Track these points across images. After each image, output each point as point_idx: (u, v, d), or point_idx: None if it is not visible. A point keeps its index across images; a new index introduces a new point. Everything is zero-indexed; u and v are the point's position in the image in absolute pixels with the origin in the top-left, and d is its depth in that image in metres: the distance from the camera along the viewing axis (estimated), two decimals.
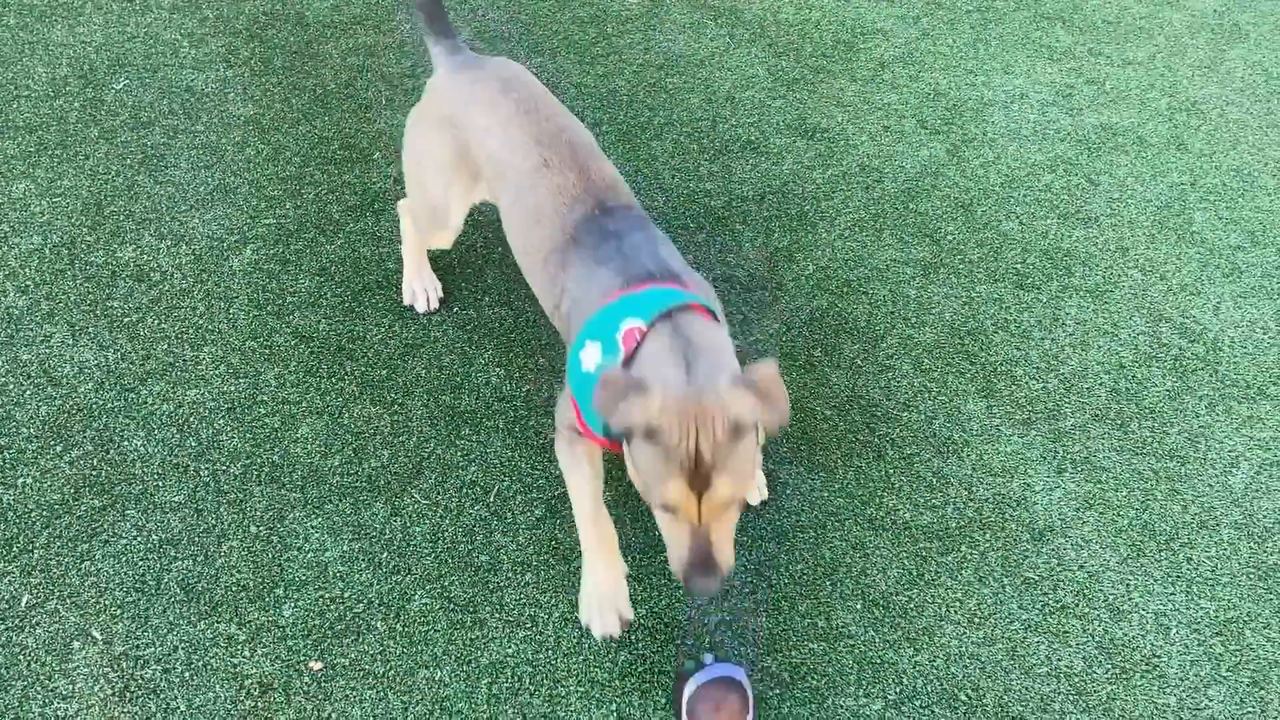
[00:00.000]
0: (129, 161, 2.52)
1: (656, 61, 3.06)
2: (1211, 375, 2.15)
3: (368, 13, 3.14)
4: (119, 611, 1.74)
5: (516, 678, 1.69)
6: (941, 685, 1.69)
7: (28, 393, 2.01)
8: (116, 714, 1.62)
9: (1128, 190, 2.65)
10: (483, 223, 2.43)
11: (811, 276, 2.38)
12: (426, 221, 2.04)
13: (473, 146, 1.84)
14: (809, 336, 2.23)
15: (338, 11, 3.14)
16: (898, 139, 2.81)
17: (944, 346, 2.23)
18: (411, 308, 2.22)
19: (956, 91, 3.01)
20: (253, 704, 1.65)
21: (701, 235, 2.46)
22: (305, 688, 1.67)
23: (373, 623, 1.74)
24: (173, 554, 1.81)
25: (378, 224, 2.42)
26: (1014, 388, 2.13)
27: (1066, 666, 1.71)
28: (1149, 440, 2.02)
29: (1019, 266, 2.42)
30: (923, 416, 2.08)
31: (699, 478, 1.37)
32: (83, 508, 1.85)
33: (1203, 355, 2.20)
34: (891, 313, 2.31)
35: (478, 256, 2.36)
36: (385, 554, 1.83)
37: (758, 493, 1.89)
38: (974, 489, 1.95)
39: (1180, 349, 2.21)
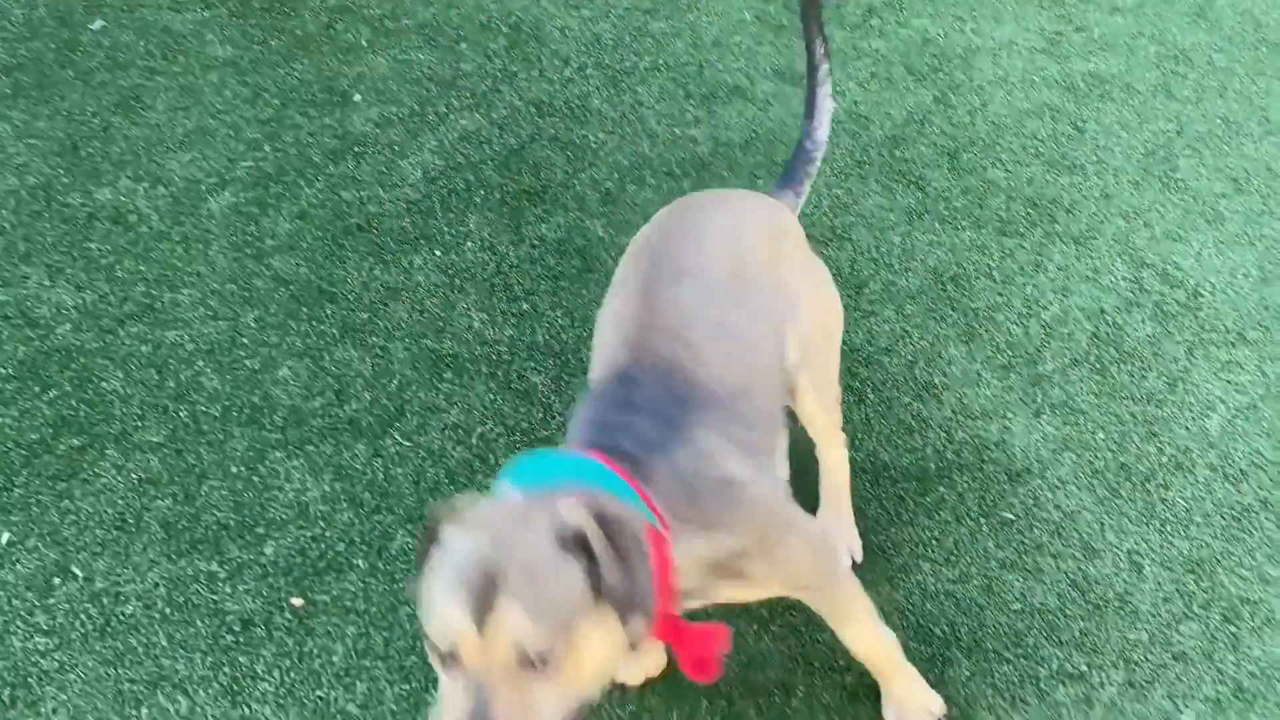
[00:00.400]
0: (105, 103, 2.49)
1: (643, 5, 3.02)
2: (1192, 320, 2.16)
3: None
4: (99, 549, 1.74)
5: None
6: (917, 621, 1.71)
7: (5, 333, 2.00)
8: (98, 648, 1.63)
9: (1114, 137, 2.64)
10: (464, 164, 2.41)
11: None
12: None
13: None
14: None
15: None
16: (885, 85, 2.79)
17: (927, 293, 2.23)
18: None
19: (945, 39, 2.98)
20: (234, 639, 1.66)
21: (687, 183, 2.45)
22: (286, 624, 1.68)
23: (354, 561, 1.76)
24: (153, 493, 1.81)
25: (358, 167, 2.40)
26: (995, 333, 2.14)
27: (1040, 603, 1.73)
28: (1128, 384, 2.03)
29: (1003, 214, 2.41)
30: (904, 361, 2.08)
31: (484, 604, 0.96)
32: (62, 447, 1.85)
33: (1183, 301, 2.20)
34: (875, 259, 2.30)
35: (460, 200, 2.34)
36: (367, 494, 1.84)
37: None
38: (953, 432, 1.96)
39: (1161, 295, 2.21)
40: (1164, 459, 1.91)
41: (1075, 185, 2.49)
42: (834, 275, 2.22)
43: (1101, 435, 1.95)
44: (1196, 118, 2.72)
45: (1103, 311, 2.18)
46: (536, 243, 2.27)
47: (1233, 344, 2.11)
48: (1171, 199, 2.46)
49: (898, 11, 3.07)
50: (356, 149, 2.45)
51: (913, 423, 1.97)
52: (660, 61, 2.82)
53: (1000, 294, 2.23)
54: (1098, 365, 2.07)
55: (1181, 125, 2.69)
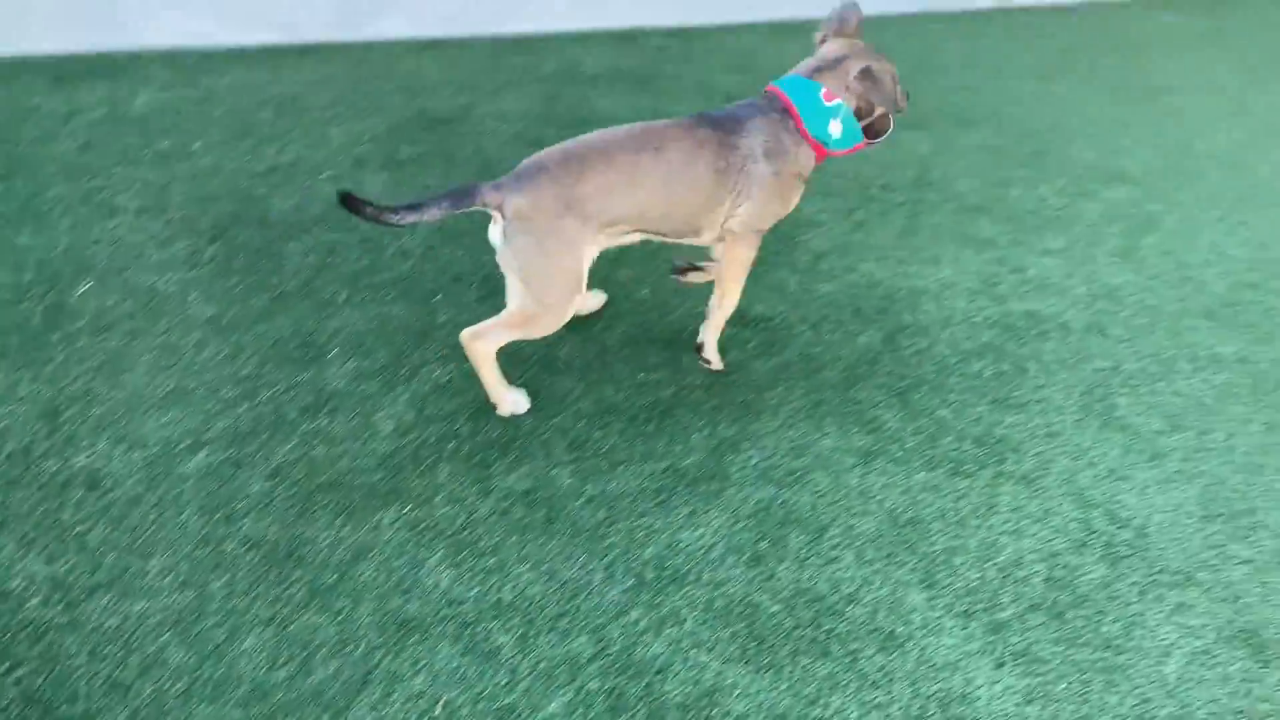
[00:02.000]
0: (88, 365, 2.58)
1: (609, 254, 3.22)
2: (1141, 561, 2.23)
3: (328, 212, 3.29)
4: None
5: None
6: None
7: None
8: None
9: (1054, 376, 2.79)
10: (436, 416, 2.50)
11: (757, 466, 2.45)
12: None
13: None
14: (755, 528, 2.28)
15: (299, 211, 3.29)
16: (836, 328, 2.95)
17: (885, 536, 2.29)
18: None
19: (890, 281, 3.18)
20: None
21: (650, 426, 2.54)
22: None
23: None
24: None
25: (332, 423, 2.47)
26: (953, 578, 2.19)
27: None
28: (1085, 630, 2.07)
29: (954, 453, 2.51)
30: (867, 610, 2.12)
31: None
32: None
33: (1131, 541, 2.27)
34: (834, 502, 2.37)
35: (431, 452, 2.41)
36: None
37: None
38: (918, 685, 1.97)
39: (1110, 535, 2.29)
40: (1124, 709, 1.93)
41: (1020, 424, 2.61)
42: (795, 519, 2.30)
43: (1064, 686, 1.97)
44: (1130, 355, 2.89)
45: (1055, 554, 2.24)
46: (505, 494, 2.32)
47: (1182, 585, 2.17)
48: (1112, 437, 2.58)
49: (845, 256, 3.29)
50: (331, 404, 2.53)
51: (878, 676, 1.99)
52: (624, 309, 2.98)
53: (956, 536, 2.29)
54: (1054, 610, 2.11)
55: (1117, 363, 2.85)
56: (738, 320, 2.93)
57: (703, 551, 2.21)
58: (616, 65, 4.61)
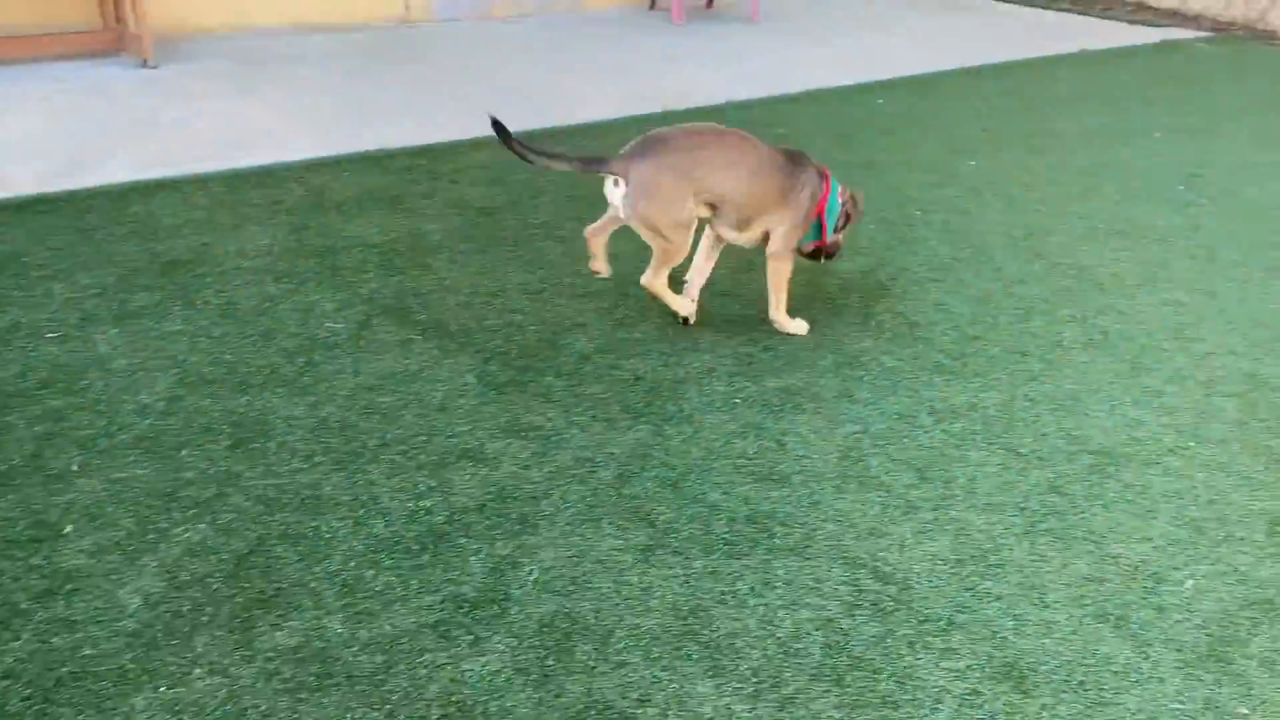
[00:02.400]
0: None
1: (368, 383, 3.15)
2: (908, 614, 2.34)
3: (56, 375, 3.06)
4: None
5: None
6: None
7: None
8: None
9: (811, 446, 2.93)
10: (189, 582, 2.33)
11: (538, 581, 2.42)
12: None
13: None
14: (540, 645, 2.24)
15: (22, 378, 3.04)
16: (606, 426, 2.99)
17: (670, 630, 2.30)
18: None
19: (654, 373, 3.27)
20: None
21: (425, 557, 2.47)
22: None
23: None
24: None
25: (70, 607, 2.26)
26: (739, 661, 2.22)
27: None
28: (864, 691, 2.14)
29: (728, 535, 2.58)
30: (658, 710, 2.11)
31: None
32: None
33: (897, 595, 2.39)
34: (618, 604, 2.37)
35: (185, 623, 2.24)
36: None
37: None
38: None
39: (877, 593, 2.40)
40: None
41: (785, 497, 2.71)
42: (580, 629, 2.28)
43: None
44: (877, 416, 3.08)
45: (830, 619, 2.32)
46: (272, 655, 2.18)
47: (946, 630, 2.29)
48: (870, 496, 2.72)
49: (610, 354, 3.36)
50: (69, 586, 2.32)
51: None
52: (390, 436, 2.91)
53: (737, 618, 2.33)
54: (834, 676, 2.18)
55: (866, 425, 3.03)
56: (507, 432, 2.92)
57: (488, 679, 2.14)
58: (365, 188, 4.59)
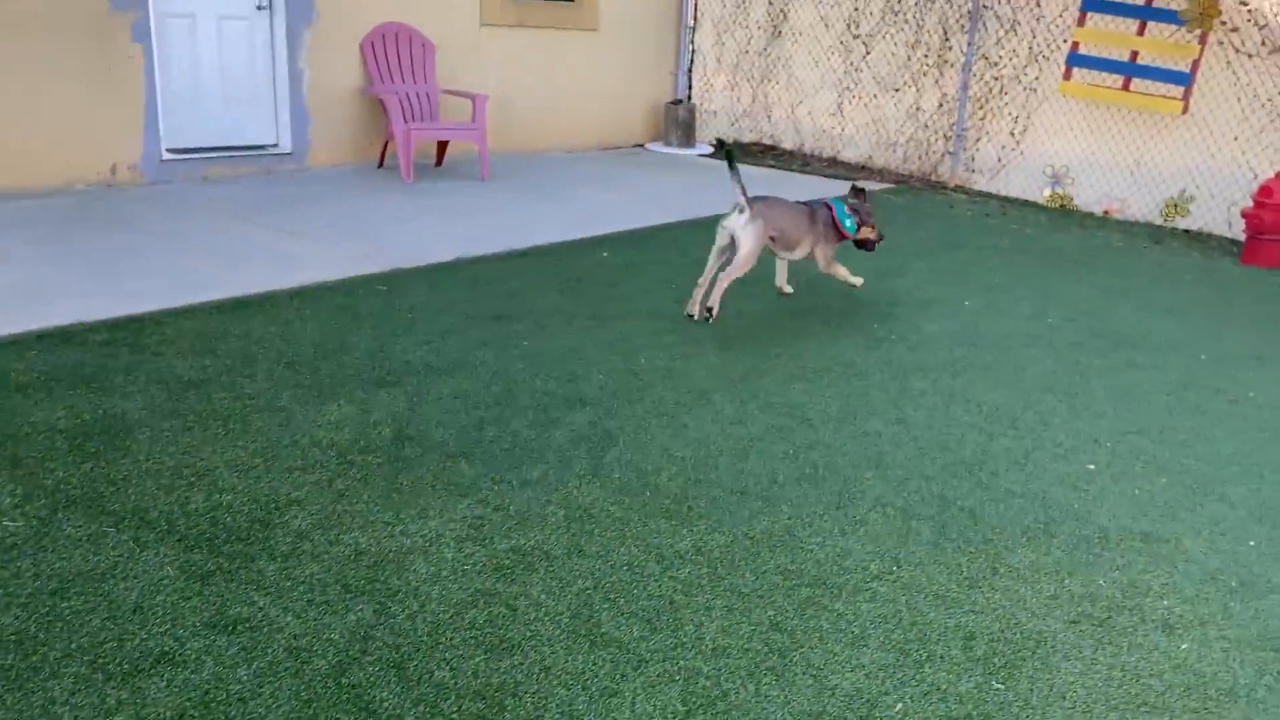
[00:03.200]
0: None
1: (50, 587, 2.82)
2: None
3: None
4: None
5: None
6: None
7: None
8: None
9: (542, 608, 2.88)
10: None
11: None
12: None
13: None
14: None
15: None
16: (324, 610, 2.82)
17: None
18: None
19: (377, 546, 3.13)
20: None
21: None
22: None
23: None
24: None
25: None
26: None
27: None
28: None
29: (455, 716, 2.46)
30: None
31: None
32: None
33: None
34: None
35: None
36: None
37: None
38: None
39: None
40: None
41: (516, 666, 2.64)
42: None
43: None
44: (606, 569, 3.08)
45: None
46: None
47: None
48: (601, 654, 2.70)
49: (329, 529, 3.20)
50: None
51: None
52: (74, 645, 2.60)
53: None
54: None
55: (596, 580, 3.03)
56: (211, 628, 2.68)
57: None
58: (55, 367, 4.21)
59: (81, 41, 7.13)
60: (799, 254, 5.71)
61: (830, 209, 5.68)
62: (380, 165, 8.87)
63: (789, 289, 6.03)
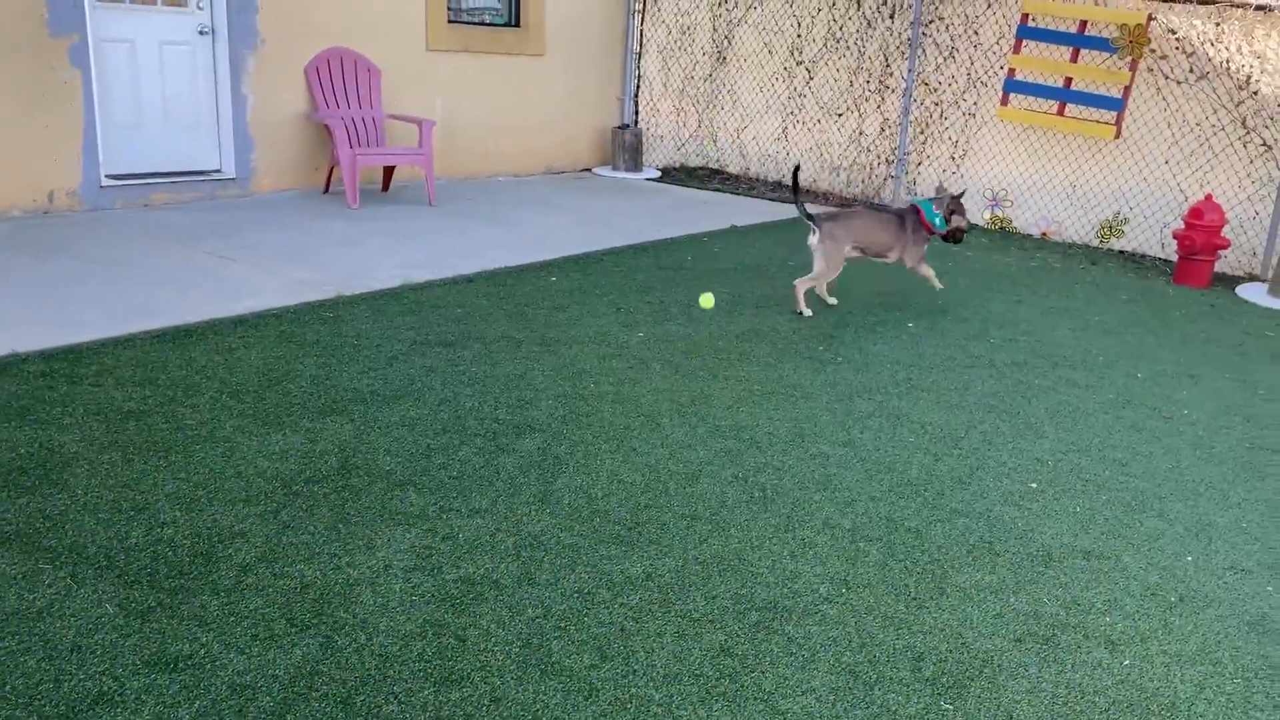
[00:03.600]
0: None
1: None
2: None
3: None
4: None
5: None
6: None
7: None
8: None
9: (492, 638, 2.85)
10: None
11: None
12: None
13: None
14: None
15: None
16: (269, 645, 2.76)
17: None
18: None
19: (324, 578, 3.08)
20: None
21: None
22: None
23: None
24: None
25: None
26: None
27: None
28: None
29: None
30: None
31: None
32: None
33: None
34: None
35: None
36: None
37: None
38: None
39: None
40: None
41: (467, 698, 2.61)
42: None
43: None
44: (557, 597, 3.07)
45: None
46: None
47: None
48: (551, 685, 2.68)
49: (274, 562, 3.14)
50: None
51: None
52: (8, 688, 2.52)
53: None
54: None
55: (547, 608, 3.01)
56: (152, 667, 2.62)
57: None
58: None
59: (15, 65, 6.99)
60: (894, 257, 6.40)
61: (919, 211, 6.30)
62: (326, 191, 8.79)
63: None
